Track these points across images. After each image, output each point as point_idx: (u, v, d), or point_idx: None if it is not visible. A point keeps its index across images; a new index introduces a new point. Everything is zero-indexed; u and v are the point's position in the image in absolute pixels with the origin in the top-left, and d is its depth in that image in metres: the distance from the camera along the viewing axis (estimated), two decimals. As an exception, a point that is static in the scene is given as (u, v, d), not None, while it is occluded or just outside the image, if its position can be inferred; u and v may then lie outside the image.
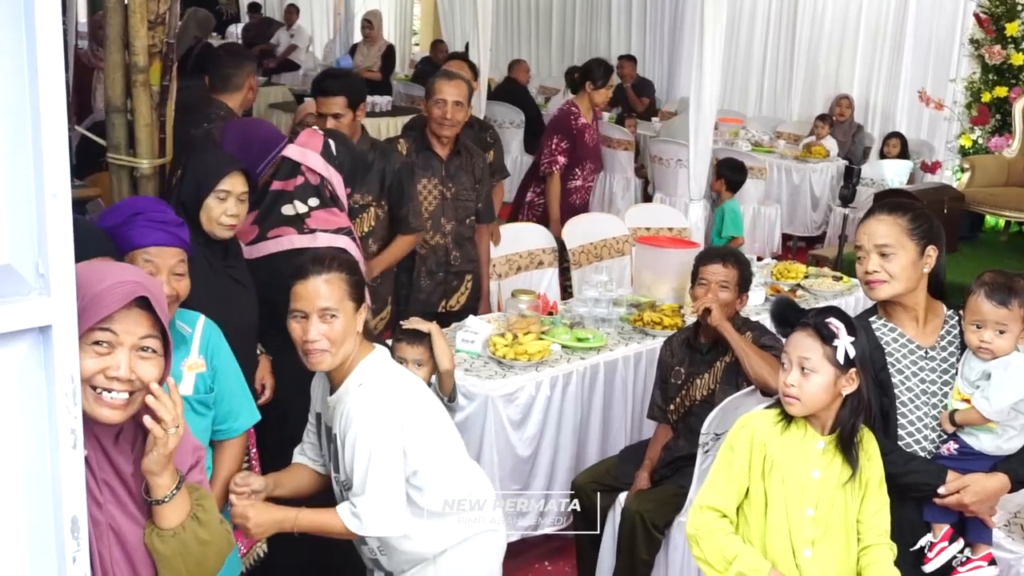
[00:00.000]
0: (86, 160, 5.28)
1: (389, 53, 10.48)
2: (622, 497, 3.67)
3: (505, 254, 5.26)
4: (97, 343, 1.71)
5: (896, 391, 2.65)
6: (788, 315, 2.51)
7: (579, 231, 5.54)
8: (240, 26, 14.11)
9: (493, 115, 9.01)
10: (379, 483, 2.45)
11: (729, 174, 6.72)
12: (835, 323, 2.41)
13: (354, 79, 4.45)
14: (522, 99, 10.41)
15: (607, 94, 6.30)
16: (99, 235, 2.34)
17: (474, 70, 5.83)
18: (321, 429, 2.70)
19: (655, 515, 3.53)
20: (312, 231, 3.38)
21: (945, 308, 2.75)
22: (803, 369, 2.39)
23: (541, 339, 4.08)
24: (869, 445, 2.51)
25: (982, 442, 2.57)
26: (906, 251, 2.61)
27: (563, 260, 5.50)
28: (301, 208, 3.41)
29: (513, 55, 12.37)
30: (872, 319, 2.74)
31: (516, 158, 9.69)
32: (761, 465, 2.46)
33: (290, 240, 3.37)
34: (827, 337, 2.40)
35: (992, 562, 2.65)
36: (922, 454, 2.63)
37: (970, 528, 2.66)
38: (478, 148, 4.78)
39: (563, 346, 4.13)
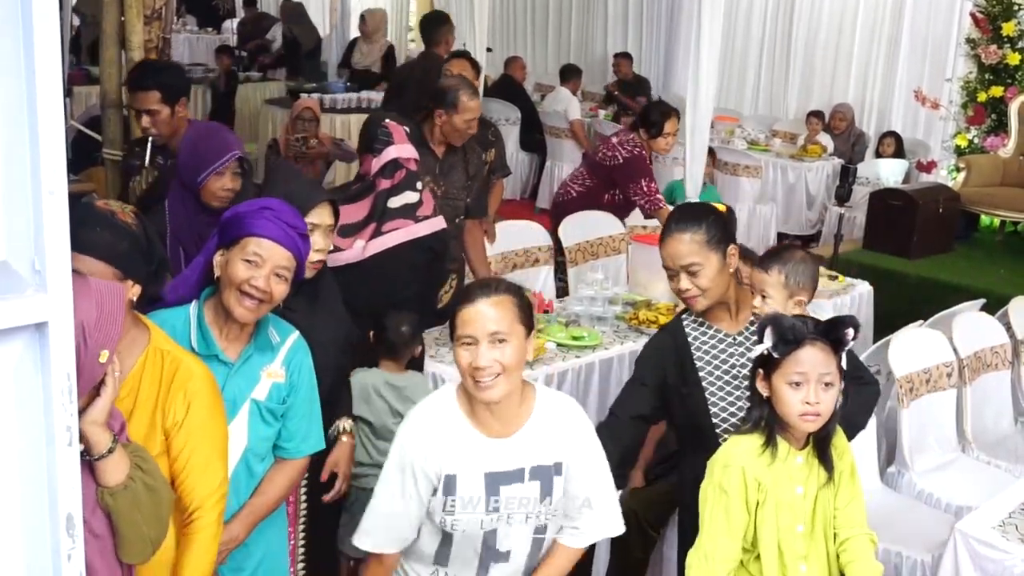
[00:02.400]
0: (81, 155, 5.28)
1: (390, 54, 10.45)
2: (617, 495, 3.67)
3: (501, 251, 5.25)
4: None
5: (704, 380, 2.79)
6: (786, 333, 2.35)
7: (575, 229, 5.54)
8: (235, 21, 14.07)
9: (489, 112, 8.99)
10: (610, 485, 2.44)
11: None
12: (849, 331, 2.37)
13: (172, 71, 3.97)
14: (518, 96, 10.41)
15: (667, 142, 5.66)
16: None
17: (476, 68, 5.81)
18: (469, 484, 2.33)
19: (649, 513, 3.54)
20: (425, 218, 3.68)
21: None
22: (825, 384, 2.33)
23: (536, 337, 4.07)
24: (838, 440, 2.50)
25: None
26: (710, 263, 2.74)
27: (559, 258, 5.50)
28: (412, 197, 3.66)
29: (509, 52, 12.36)
30: (683, 316, 2.89)
31: (512, 155, 9.69)
32: (756, 498, 2.40)
33: (408, 231, 3.63)
34: (839, 347, 2.37)
35: None
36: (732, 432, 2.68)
37: None
38: (475, 145, 4.75)
39: (558, 344, 4.14)
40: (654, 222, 5.83)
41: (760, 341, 2.37)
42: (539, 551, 2.43)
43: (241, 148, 3.36)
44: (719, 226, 2.77)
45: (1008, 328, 4.58)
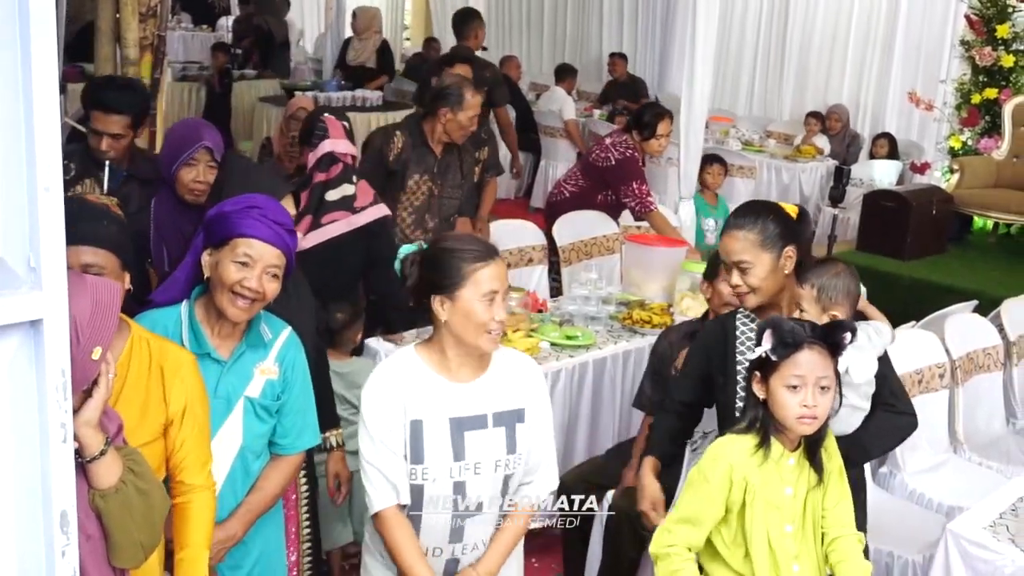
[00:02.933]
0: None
1: (385, 49, 10.44)
2: (610, 495, 3.67)
3: (495, 251, 5.25)
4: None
5: (740, 374, 2.80)
6: (785, 336, 2.36)
7: (569, 229, 5.54)
8: (230, 19, 14.05)
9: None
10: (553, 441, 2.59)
11: (724, 166, 6.72)
12: (847, 336, 2.38)
13: (142, 93, 3.77)
14: (513, 95, 10.38)
15: (660, 143, 5.68)
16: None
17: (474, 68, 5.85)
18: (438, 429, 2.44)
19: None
20: (361, 209, 3.82)
21: None
22: (822, 388, 2.34)
23: (530, 336, 4.09)
24: (828, 442, 2.51)
25: None
26: (762, 263, 2.74)
27: (552, 257, 5.50)
28: (349, 190, 3.80)
29: (504, 51, 12.35)
30: (739, 310, 2.91)
31: (505, 155, 9.66)
32: (742, 496, 2.41)
33: (347, 222, 3.80)
34: (837, 350, 2.38)
35: None
36: None
37: None
38: (468, 144, 4.78)
39: (552, 344, 4.14)
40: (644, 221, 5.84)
41: (758, 344, 2.38)
42: (505, 498, 2.53)
43: (214, 141, 3.31)
44: (778, 226, 2.76)
45: (1000, 329, 4.59)
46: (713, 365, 2.93)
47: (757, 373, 2.40)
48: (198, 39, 13.76)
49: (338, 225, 3.79)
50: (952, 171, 8.05)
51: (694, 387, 3.01)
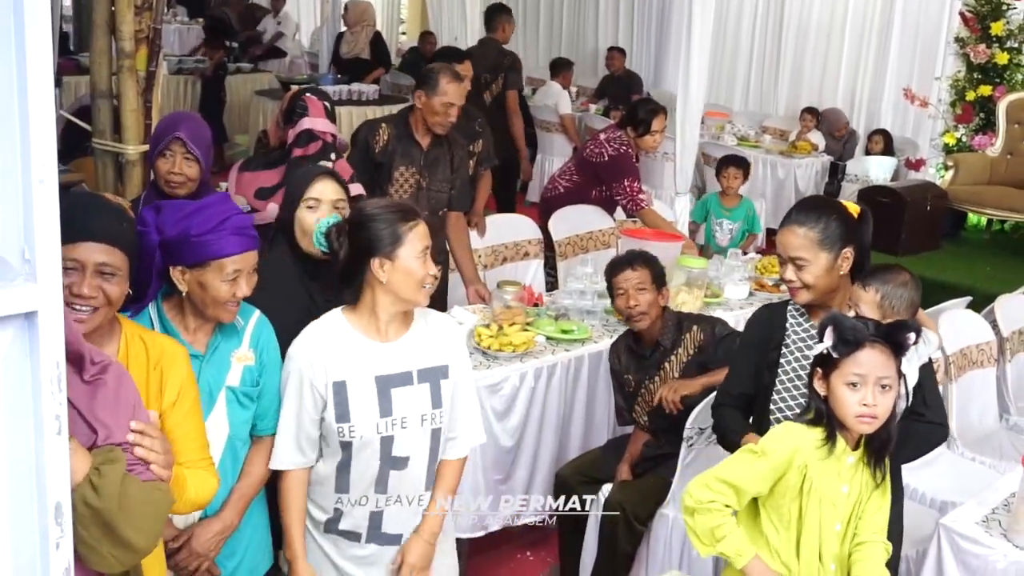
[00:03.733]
0: (71, 145, 5.26)
1: (377, 40, 10.42)
2: (606, 489, 3.68)
3: (491, 245, 5.26)
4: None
5: (780, 367, 2.84)
6: (846, 333, 2.34)
7: (565, 223, 5.54)
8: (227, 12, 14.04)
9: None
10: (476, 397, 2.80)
11: (745, 170, 6.64)
12: (911, 336, 2.36)
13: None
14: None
15: (655, 139, 5.68)
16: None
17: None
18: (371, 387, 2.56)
19: (637, 507, 3.55)
20: None
21: None
22: (883, 387, 2.32)
23: (526, 330, 4.09)
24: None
25: None
26: (819, 261, 2.74)
27: (548, 251, 5.51)
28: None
29: (500, 46, 12.35)
30: (790, 302, 2.90)
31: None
32: (800, 484, 2.39)
33: None
34: (900, 351, 2.37)
35: None
36: None
37: None
38: (460, 138, 4.75)
39: (548, 337, 4.14)
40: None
41: (820, 340, 2.37)
42: (435, 459, 2.63)
43: (191, 132, 3.26)
44: (839, 226, 2.75)
45: (994, 325, 4.60)
46: (760, 351, 2.93)
47: (819, 370, 2.39)
48: (193, 32, 13.72)
49: None
50: (947, 167, 8.07)
51: (749, 379, 2.99)
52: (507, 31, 7.53)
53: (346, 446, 2.53)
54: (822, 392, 2.39)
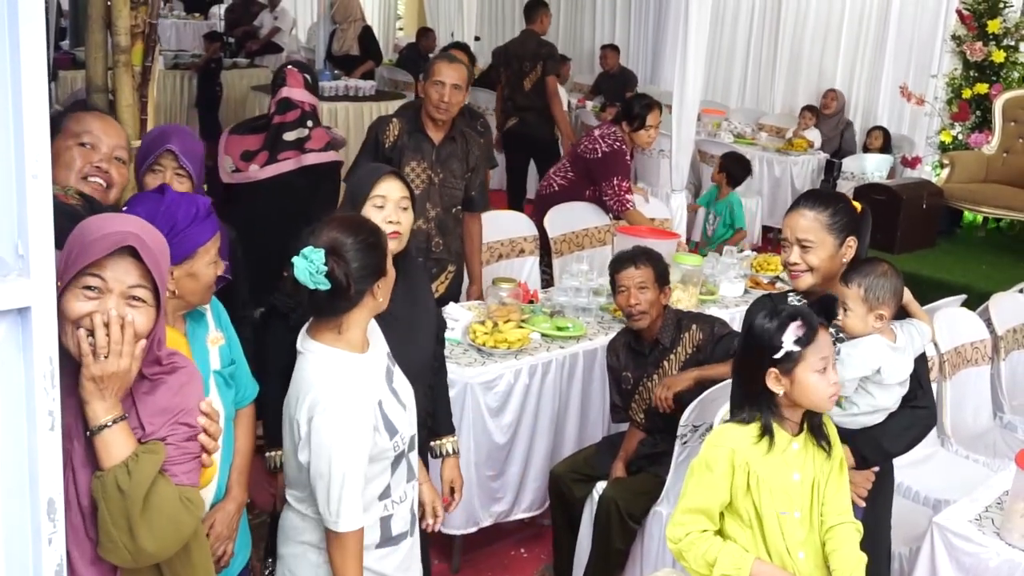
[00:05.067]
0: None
1: (366, 34, 10.37)
2: (600, 486, 3.68)
3: (486, 242, 5.24)
4: (87, 288, 1.76)
5: None
6: (812, 321, 2.41)
7: (561, 220, 5.54)
8: (223, 7, 14.01)
9: (476, 102, 9.00)
10: None
11: (734, 169, 6.68)
12: (837, 306, 2.52)
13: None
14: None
15: (649, 135, 5.67)
16: None
17: (471, 59, 5.83)
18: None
19: (631, 505, 3.55)
20: (312, 151, 4.51)
21: None
22: (833, 363, 2.42)
23: (521, 327, 4.09)
24: (830, 430, 2.55)
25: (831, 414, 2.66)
26: (825, 245, 2.79)
27: (544, 248, 5.51)
28: (303, 133, 4.50)
29: (496, 42, 12.33)
30: (789, 292, 2.77)
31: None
32: (746, 482, 2.42)
33: (297, 160, 4.51)
34: (830, 320, 2.48)
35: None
36: None
37: None
38: (475, 136, 4.67)
39: (543, 334, 4.15)
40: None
41: (780, 343, 2.38)
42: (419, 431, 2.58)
43: (183, 146, 2.98)
44: (845, 216, 2.81)
45: (988, 324, 4.60)
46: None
47: (774, 370, 2.39)
48: (190, 27, 13.71)
49: (289, 163, 4.50)
50: (943, 165, 8.08)
51: None
52: (545, 23, 8.16)
53: (398, 458, 2.41)
54: (780, 391, 2.40)
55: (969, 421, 4.42)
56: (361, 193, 2.78)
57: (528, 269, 5.41)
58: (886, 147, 8.91)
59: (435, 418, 3.06)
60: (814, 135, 9.32)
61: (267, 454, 2.81)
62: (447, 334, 3.98)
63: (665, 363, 3.68)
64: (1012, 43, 8.14)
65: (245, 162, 4.44)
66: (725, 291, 4.88)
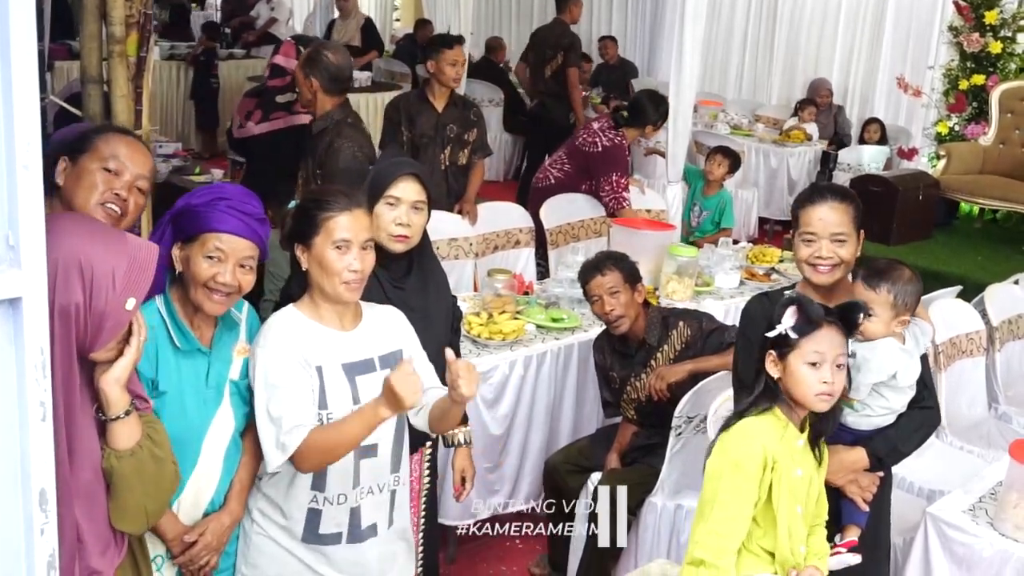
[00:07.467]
0: (62, 131, 5.23)
1: (368, 26, 10.37)
2: (595, 477, 3.69)
3: (482, 233, 5.26)
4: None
5: None
6: (811, 314, 2.39)
7: (556, 211, 5.54)
8: (219, -2, 13.97)
9: (472, 93, 8.99)
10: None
11: (732, 162, 6.61)
12: (861, 315, 2.45)
13: None
14: (500, 78, 10.40)
15: (656, 132, 6.06)
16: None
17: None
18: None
19: (626, 496, 3.55)
20: (299, 113, 5.08)
21: None
22: (838, 366, 2.38)
23: (516, 318, 4.09)
24: (823, 449, 2.56)
25: (843, 416, 2.66)
26: (852, 239, 2.73)
27: (540, 240, 5.50)
28: (291, 96, 5.15)
29: (491, 33, 12.32)
30: (787, 294, 2.79)
31: (495, 136, 9.69)
32: (770, 476, 2.40)
33: (285, 120, 5.33)
34: (852, 330, 2.44)
35: (854, 549, 2.70)
36: None
37: (843, 510, 2.75)
38: (471, 102, 5.55)
39: (538, 326, 4.15)
40: (632, 204, 5.83)
41: (778, 322, 2.39)
42: (401, 443, 2.56)
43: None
44: (860, 209, 2.76)
45: (984, 315, 4.61)
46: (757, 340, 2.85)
47: (772, 352, 2.41)
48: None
49: (278, 122, 5.35)
50: (939, 157, 8.07)
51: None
52: (575, 13, 8.44)
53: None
54: (776, 373, 2.41)
55: (964, 412, 4.43)
56: (378, 189, 2.77)
57: (523, 260, 5.41)
58: (883, 140, 8.91)
59: None
60: (811, 127, 9.32)
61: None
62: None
63: (653, 362, 3.68)
64: (1009, 34, 8.13)
65: (247, 120, 5.40)
66: (720, 282, 4.88)
